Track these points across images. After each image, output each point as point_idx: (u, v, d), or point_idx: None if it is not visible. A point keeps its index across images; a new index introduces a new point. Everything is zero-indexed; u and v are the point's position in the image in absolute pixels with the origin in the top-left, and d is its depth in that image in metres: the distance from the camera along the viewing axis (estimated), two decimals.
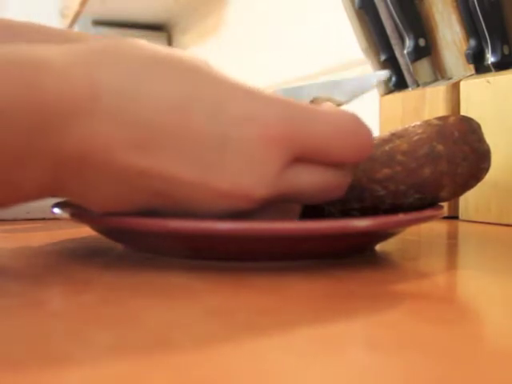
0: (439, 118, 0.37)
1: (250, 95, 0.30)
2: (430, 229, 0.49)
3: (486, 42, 0.58)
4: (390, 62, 0.69)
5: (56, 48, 0.29)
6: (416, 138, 0.36)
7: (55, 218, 0.41)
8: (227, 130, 0.29)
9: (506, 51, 0.57)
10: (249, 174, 0.29)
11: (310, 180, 0.31)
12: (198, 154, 0.29)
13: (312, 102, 0.32)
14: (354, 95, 0.44)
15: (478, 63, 0.60)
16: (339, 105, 0.31)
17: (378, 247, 0.38)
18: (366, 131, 0.31)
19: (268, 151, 0.29)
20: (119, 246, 0.37)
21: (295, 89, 0.41)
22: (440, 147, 0.35)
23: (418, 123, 0.37)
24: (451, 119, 0.37)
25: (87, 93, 0.28)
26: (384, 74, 0.36)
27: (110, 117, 0.28)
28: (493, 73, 0.58)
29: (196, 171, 0.29)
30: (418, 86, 0.67)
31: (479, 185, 0.39)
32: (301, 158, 0.30)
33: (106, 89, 0.28)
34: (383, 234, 0.35)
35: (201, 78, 0.30)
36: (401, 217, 0.33)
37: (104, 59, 0.29)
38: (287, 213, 0.33)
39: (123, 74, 0.29)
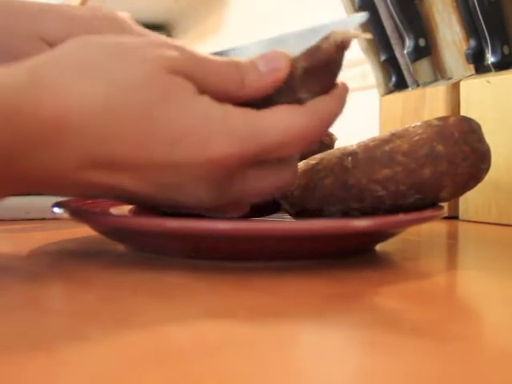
0: (439, 119, 0.37)
1: (204, 119, 0.30)
2: (430, 229, 0.49)
3: (486, 42, 0.58)
4: (390, 62, 0.69)
5: (17, 68, 0.29)
6: (416, 138, 0.35)
7: (55, 218, 0.41)
8: (183, 157, 0.30)
9: (506, 51, 0.57)
10: (199, 189, 0.31)
11: (256, 185, 0.32)
12: (158, 178, 0.31)
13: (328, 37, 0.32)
14: None
15: (478, 63, 0.60)
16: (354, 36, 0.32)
17: (378, 247, 0.38)
18: (316, 129, 0.32)
19: (218, 170, 0.30)
20: (119, 246, 0.37)
21: (279, 39, 0.42)
22: (440, 147, 0.35)
23: (418, 123, 0.37)
24: (451, 119, 0.37)
25: (54, 125, 0.28)
26: (362, 16, 0.36)
27: (73, 148, 0.29)
28: (493, 73, 0.58)
29: (154, 190, 0.31)
30: (418, 85, 0.67)
31: (479, 185, 0.39)
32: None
33: (72, 124, 0.28)
34: (383, 234, 0.35)
35: (161, 108, 0.30)
36: (401, 217, 0.33)
37: (71, 79, 0.29)
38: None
39: (89, 109, 0.29)
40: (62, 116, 0.28)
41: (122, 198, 0.34)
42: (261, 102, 0.32)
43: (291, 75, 0.32)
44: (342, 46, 0.32)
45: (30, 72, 0.29)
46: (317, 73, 0.32)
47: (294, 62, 0.32)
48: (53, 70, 0.29)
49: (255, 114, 0.31)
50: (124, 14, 0.41)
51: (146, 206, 0.37)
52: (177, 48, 0.31)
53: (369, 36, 0.41)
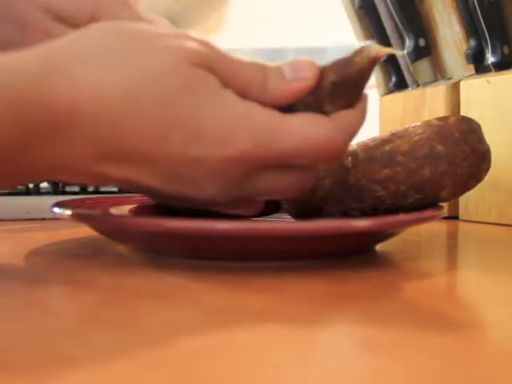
0: (439, 119, 0.37)
1: (227, 114, 0.29)
2: (430, 229, 0.49)
3: (486, 42, 0.58)
4: (390, 62, 0.69)
5: (34, 54, 0.28)
6: (416, 138, 0.36)
7: (55, 218, 0.41)
8: (201, 153, 0.29)
9: (506, 51, 0.57)
10: (213, 185, 0.31)
11: (270, 186, 0.32)
12: (170, 172, 0.30)
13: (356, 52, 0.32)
14: None
15: (478, 63, 0.60)
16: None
17: (378, 247, 0.38)
18: (339, 144, 0.31)
19: (236, 168, 0.30)
20: (119, 246, 0.37)
21: (276, 51, 0.42)
22: (440, 148, 0.35)
23: (418, 123, 0.37)
24: (451, 119, 0.37)
25: (67, 113, 0.27)
26: (373, 46, 0.35)
27: (86, 138, 0.28)
28: (493, 73, 0.58)
29: (166, 184, 0.31)
30: (418, 85, 0.67)
31: (479, 185, 0.39)
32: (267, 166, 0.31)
33: (87, 112, 0.27)
34: (383, 234, 0.35)
35: (183, 100, 0.29)
36: (401, 217, 0.33)
37: (87, 66, 0.28)
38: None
39: (105, 98, 0.28)
40: (75, 104, 0.27)
41: (135, 188, 0.33)
42: (283, 109, 0.31)
43: (318, 86, 0.31)
44: (375, 61, 0.31)
45: (43, 58, 0.28)
46: (345, 86, 0.31)
47: (322, 72, 0.31)
48: (68, 56, 0.28)
49: (279, 115, 0.30)
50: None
51: (157, 198, 0.37)
52: (201, 41, 0.30)
53: (400, 53, 0.40)
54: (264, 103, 0.31)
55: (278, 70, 0.31)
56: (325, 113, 0.31)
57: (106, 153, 0.29)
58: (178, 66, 0.29)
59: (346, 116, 0.31)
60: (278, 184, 0.32)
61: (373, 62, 0.31)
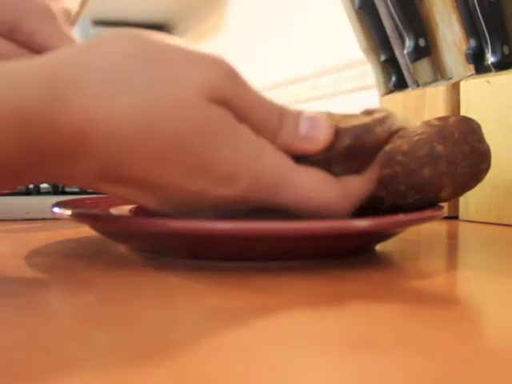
0: (439, 119, 0.37)
1: (237, 154, 0.29)
2: (430, 229, 0.49)
3: (486, 42, 0.58)
4: (390, 62, 0.69)
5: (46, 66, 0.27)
6: (416, 138, 0.36)
7: (55, 218, 0.41)
8: (203, 188, 0.29)
9: (506, 51, 0.57)
10: (209, 213, 0.31)
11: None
12: (169, 198, 0.30)
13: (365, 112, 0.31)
14: None
15: (478, 63, 0.60)
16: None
17: (378, 247, 0.38)
18: (342, 210, 0.31)
19: (235, 205, 0.30)
20: (119, 246, 0.37)
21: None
22: (440, 148, 0.35)
23: (418, 123, 0.37)
24: (451, 120, 0.37)
25: (76, 138, 0.27)
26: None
27: (91, 160, 0.28)
28: (493, 73, 0.58)
29: (163, 206, 0.31)
30: (418, 85, 0.67)
31: (479, 185, 0.39)
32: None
33: (96, 137, 0.27)
34: (383, 234, 0.35)
35: (195, 139, 0.28)
36: (401, 217, 0.33)
37: (101, 89, 0.27)
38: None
39: (117, 126, 0.27)
40: (86, 128, 0.27)
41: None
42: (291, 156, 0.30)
43: (331, 146, 0.30)
44: (395, 134, 0.30)
45: (53, 74, 0.27)
46: (359, 152, 0.30)
47: (338, 133, 0.30)
48: (83, 73, 0.27)
49: (290, 165, 0.30)
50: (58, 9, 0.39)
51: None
52: (224, 68, 0.29)
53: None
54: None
55: (295, 120, 0.31)
56: (333, 173, 0.31)
57: (110, 174, 0.29)
58: (195, 104, 0.28)
59: (354, 183, 0.31)
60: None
61: (392, 135, 0.30)
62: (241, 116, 0.29)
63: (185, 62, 0.29)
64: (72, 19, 0.38)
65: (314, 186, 0.30)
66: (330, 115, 0.31)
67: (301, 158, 0.30)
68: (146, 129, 0.27)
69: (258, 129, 0.30)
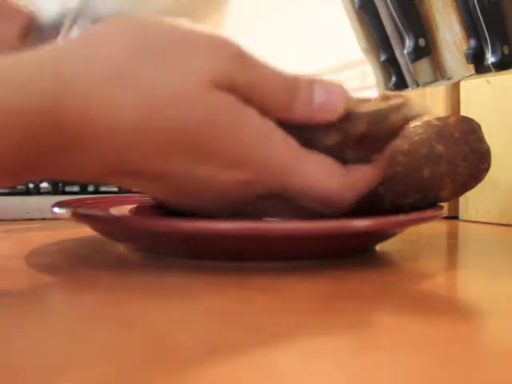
0: (439, 119, 0.37)
1: (244, 139, 0.29)
2: (430, 229, 0.49)
3: (486, 42, 0.58)
4: (390, 62, 0.69)
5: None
6: (416, 138, 0.36)
7: (55, 218, 0.41)
8: (210, 174, 0.29)
9: (506, 51, 0.57)
10: (216, 202, 0.31)
11: (274, 212, 0.32)
12: (175, 187, 0.30)
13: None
14: None
15: (478, 63, 0.60)
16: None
17: (378, 247, 0.38)
18: (346, 200, 0.31)
19: (241, 191, 0.30)
20: (119, 246, 0.37)
21: None
22: (440, 148, 0.35)
23: (419, 123, 0.37)
24: (451, 120, 0.37)
25: (76, 138, 0.27)
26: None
27: (94, 156, 0.28)
28: (493, 73, 0.58)
29: (170, 196, 0.32)
30: (418, 86, 0.67)
31: (479, 185, 0.39)
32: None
33: (97, 134, 0.27)
34: (383, 234, 0.35)
35: (199, 129, 0.28)
36: (401, 217, 0.33)
37: (102, 85, 0.27)
38: (297, 211, 0.33)
39: (118, 122, 0.27)
40: (86, 126, 0.26)
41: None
42: (303, 137, 0.30)
43: (345, 132, 0.30)
44: (410, 121, 0.30)
45: (54, 70, 0.26)
46: (373, 139, 0.30)
47: (352, 117, 0.29)
48: (83, 70, 0.27)
49: (297, 151, 0.30)
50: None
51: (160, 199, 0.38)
52: (227, 53, 0.28)
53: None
54: (284, 119, 0.30)
55: (309, 89, 0.30)
56: (344, 158, 0.30)
57: (114, 168, 0.29)
58: (197, 92, 0.27)
59: (361, 172, 0.31)
60: (281, 212, 0.32)
61: (408, 123, 0.30)
62: (250, 96, 0.29)
63: (186, 49, 0.28)
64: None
65: (319, 174, 0.30)
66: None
67: (313, 143, 0.30)
68: (148, 124, 0.27)
69: (270, 105, 0.29)
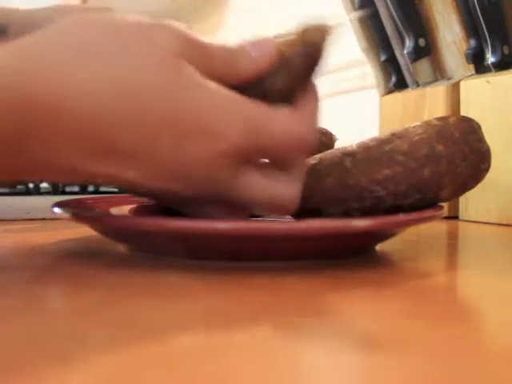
0: (439, 119, 0.37)
1: (216, 107, 0.29)
2: (430, 229, 0.49)
3: (486, 42, 0.58)
4: (390, 62, 0.69)
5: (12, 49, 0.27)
6: (416, 138, 0.35)
7: (55, 218, 0.41)
8: (190, 147, 0.29)
9: (506, 51, 0.57)
10: (205, 181, 0.30)
11: (260, 187, 0.31)
12: (156, 167, 0.29)
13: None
14: None
15: (478, 63, 0.60)
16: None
17: (378, 247, 0.38)
18: (311, 137, 0.32)
19: (226, 162, 0.30)
20: (119, 246, 0.37)
21: None
22: (440, 148, 0.35)
23: (419, 123, 0.37)
24: (451, 120, 0.37)
25: (50, 115, 0.27)
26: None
27: (71, 134, 0.28)
28: (493, 73, 0.58)
29: (156, 180, 0.30)
30: (418, 86, 0.67)
31: (479, 185, 0.39)
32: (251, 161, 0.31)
33: (71, 108, 0.27)
34: (383, 234, 0.35)
35: (171, 95, 0.28)
36: (401, 217, 0.33)
37: (68, 62, 0.27)
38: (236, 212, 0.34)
39: (89, 93, 0.27)
40: (59, 101, 0.27)
41: (125, 185, 0.33)
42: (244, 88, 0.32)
43: (289, 72, 0.32)
44: (324, 37, 0.32)
45: (23, 53, 0.27)
46: (296, 63, 0.32)
47: (287, 57, 0.32)
48: (47, 50, 0.27)
49: (266, 110, 0.31)
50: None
51: (151, 196, 0.37)
52: (176, 31, 0.30)
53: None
54: (235, 84, 0.31)
55: (243, 49, 0.32)
56: (275, 87, 0.32)
57: (95, 150, 0.28)
58: (166, 60, 0.28)
59: (309, 104, 0.33)
60: (264, 194, 0.32)
61: (322, 38, 0.32)
62: (200, 69, 0.30)
63: (144, 28, 0.29)
64: None
65: (288, 122, 0.31)
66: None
67: (266, 95, 0.32)
68: (119, 92, 0.28)
69: (217, 75, 0.31)
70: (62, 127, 0.27)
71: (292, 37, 0.33)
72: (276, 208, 0.32)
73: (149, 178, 0.30)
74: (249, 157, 0.31)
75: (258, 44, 0.33)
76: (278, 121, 0.31)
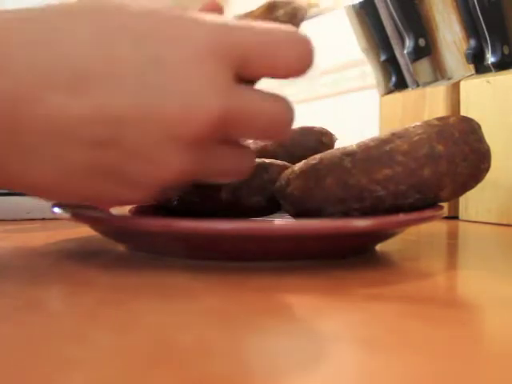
0: (439, 119, 0.37)
1: (178, 18, 0.28)
2: (430, 229, 0.49)
3: (486, 42, 0.58)
4: (390, 62, 0.69)
5: None
6: (416, 138, 0.35)
7: (55, 218, 0.41)
8: (158, 52, 0.27)
9: (506, 51, 0.57)
10: (196, 94, 0.28)
11: (258, 102, 0.30)
12: (133, 84, 0.27)
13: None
14: None
15: (478, 63, 0.60)
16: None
17: (378, 247, 0.38)
18: (306, 41, 0.31)
19: (207, 67, 0.28)
20: (119, 246, 0.37)
21: None
22: (440, 147, 0.35)
23: (418, 123, 0.37)
24: (451, 119, 0.37)
25: None
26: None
27: (26, 68, 0.26)
28: (493, 73, 0.58)
29: (138, 103, 0.27)
30: (418, 86, 0.67)
31: (479, 185, 0.39)
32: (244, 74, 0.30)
33: (16, 42, 0.26)
34: (383, 234, 0.35)
35: (118, 11, 0.28)
36: (401, 217, 0.33)
37: (15, 15, 0.27)
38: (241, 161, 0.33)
39: (33, 23, 0.27)
40: (3, 36, 0.26)
41: (111, 166, 0.28)
42: None
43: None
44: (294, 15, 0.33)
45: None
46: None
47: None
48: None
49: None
50: None
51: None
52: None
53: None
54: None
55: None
56: None
57: (54, 79, 0.26)
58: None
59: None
60: (225, 163, 0.31)
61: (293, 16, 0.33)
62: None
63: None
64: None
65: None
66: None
67: None
68: (64, 10, 0.28)
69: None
70: (13, 60, 0.26)
71: (261, 9, 0.33)
72: (232, 175, 0.32)
73: (131, 104, 0.27)
74: (238, 62, 0.29)
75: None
76: (260, 24, 0.30)
